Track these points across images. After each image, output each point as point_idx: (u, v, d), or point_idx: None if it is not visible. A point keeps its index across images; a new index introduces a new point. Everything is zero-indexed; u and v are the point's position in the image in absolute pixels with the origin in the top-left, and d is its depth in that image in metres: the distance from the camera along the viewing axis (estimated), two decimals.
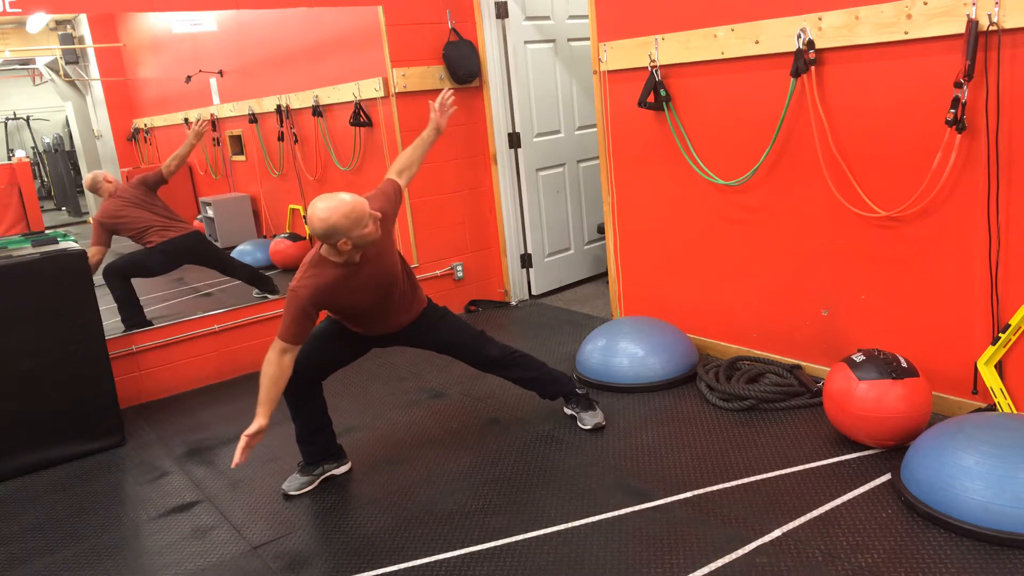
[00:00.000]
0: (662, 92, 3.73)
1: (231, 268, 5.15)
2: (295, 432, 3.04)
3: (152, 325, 4.32)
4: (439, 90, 4.75)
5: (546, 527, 2.57)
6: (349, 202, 2.54)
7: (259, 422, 2.64)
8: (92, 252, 4.60)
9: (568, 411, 3.35)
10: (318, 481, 3.03)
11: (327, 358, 3.00)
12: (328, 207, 2.52)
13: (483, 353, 3.13)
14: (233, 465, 2.63)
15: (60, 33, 6.89)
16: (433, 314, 3.09)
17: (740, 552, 2.33)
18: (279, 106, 5.87)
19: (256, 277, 5.15)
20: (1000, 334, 2.78)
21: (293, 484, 2.99)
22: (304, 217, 6.07)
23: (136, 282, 4.81)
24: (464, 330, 3.14)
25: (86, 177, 5.02)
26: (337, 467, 3.09)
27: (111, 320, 4.25)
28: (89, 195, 7.67)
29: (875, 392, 2.73)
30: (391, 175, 2.98)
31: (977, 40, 2.62)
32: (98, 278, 4.57)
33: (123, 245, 4.88)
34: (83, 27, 7.00)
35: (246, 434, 2.61)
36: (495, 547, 2.49)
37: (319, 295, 2.65)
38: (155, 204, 4.87)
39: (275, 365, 2.67)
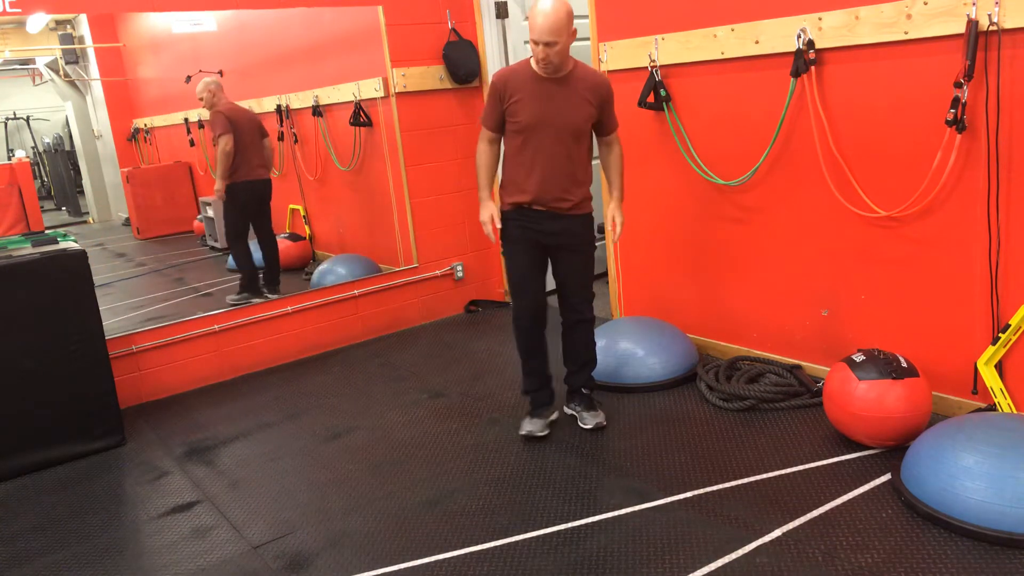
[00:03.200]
0: (662, 92, 3.73)
1: (266, 232, 5.17)
2: (525, 384, 3.24)
3: (265, 296, 4.34)
4: (439, 90, 4.79)
5: (546, 527, 2.57)
6: (542, 12, 2.76)
7: (488, 206, 3.05)
8: (225, 141, 4.61)
9: (568, 410, 3.35)
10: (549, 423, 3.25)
11: (540, 281, 3.12)
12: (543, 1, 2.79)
13: (577, 308, 3.17)
14: (494, 242, 3.10)
15: (60, 33, 6.89)
16: (584, 232, 3.11)
17: (740, 552, 2.33)
18: (279, 106, 5.86)
19: (273, 262, 5.16)
20: (1000, 334, 2.78)
21: (535, 426, 3.19)
22: (304, 217, 6.07)
23: (136, 281, 4.80)
24: (584, 273, 3.17)
25: (206, 80, 4.88)
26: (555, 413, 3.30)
27: (111, 320, 4.25)
28: (89, 195, 7.67)
29: (875, 392, 2.73)
30: (610, 138, 3.14)
31: (977, 40, 2.62)
32: (100, 278, 4.57)
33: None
34: (83, 27, 7.00)
35: (484, 222, 3.04)
36: (495, 547, 2.49)
37: (505, 76, 2.97)
38: (257, 133, 4.95)
39: (485, 153, 3.06)
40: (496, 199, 3.10)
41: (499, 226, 3.03)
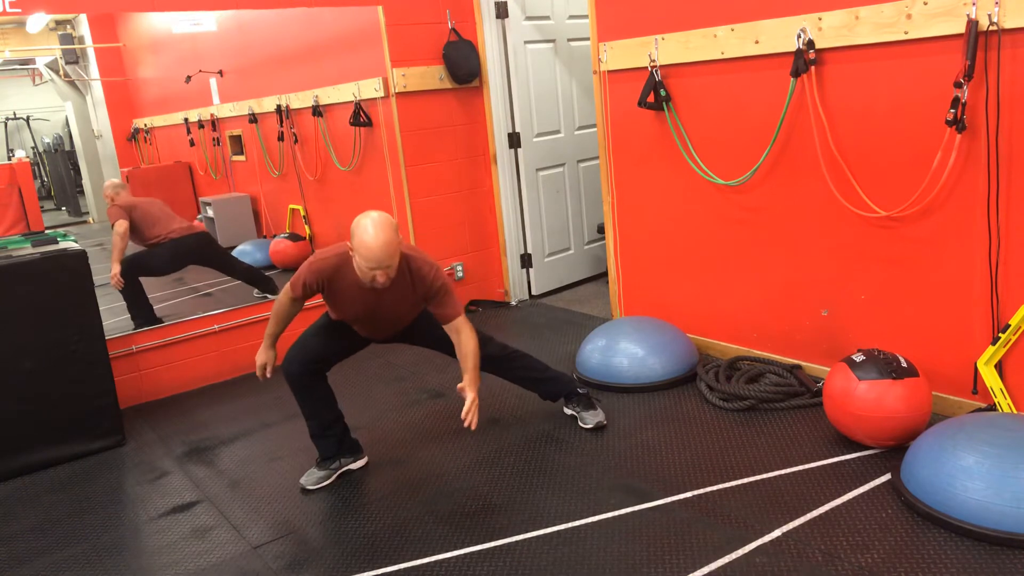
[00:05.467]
0: (662, 92, 3.73)
1: (234, 270, 5.18)
2: (308, 429, 3.05)
3: (162, 323, 4.34)
4: (439, 90, 4.79)
5: (546, 527, 2.57)
6: (375, 242, 2.56)
7: (265, 353, 2.99)
8: (119, 224, 4.78)
9: (568, 411, 3.35)
10: (335, 475, 3.04)
11: (328, 350, 3.02)
12: (368, 227, 2.58)
13: (482, 351, 3.12)
14: (261, 380, 3.02)
15: (60, 33, 6.89)
16: (430, 314, 3.06)
17: (740, 552, 2.33)
18: (279, 106, 5.86)
19: (258, 278, 5.16)
20: (1000, 334, 2.78)
21: (311, 479, 3.01)
22: (304, 217, 6.08)
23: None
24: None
25: (109, 185, 5.11)
26: (353, 461, 3.10)
27: (111, 320, 4.25)
28: (89, 195, 7.68)
29: (875, 392, 2.73)
30: (453, 325, 2.84)
31: (977, 40, 2.62)
32: (100, 278, 4.59)
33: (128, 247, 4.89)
34: (83, 27, 7.01)
35: (258, 364, 2.98)
36: (495, 547, 2.49)
37: (321, 277, 2.81)
38: (167, 209, 5.05)
39: (283, 305, 2.93)
40: (273, 351, 3.00)
41: (268, 376, 2.99)
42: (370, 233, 2.57)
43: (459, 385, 2.77)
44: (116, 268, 4.70)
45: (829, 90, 3.13)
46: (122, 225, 4.75)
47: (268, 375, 2.99)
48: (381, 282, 2.65)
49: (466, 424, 2.70)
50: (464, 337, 2.83)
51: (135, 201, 4.91)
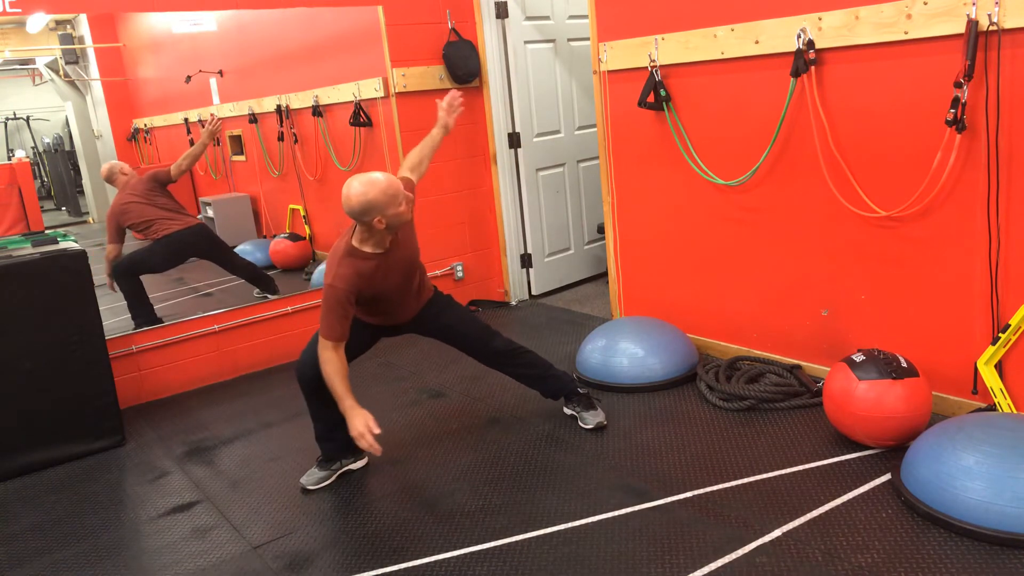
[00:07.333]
0: (662, 92, 3.73)
1: (234, 265, 5.16)
2: (314, 430, 3.05)
3: (163, 323, 4.35)
4: (439, 90, 4.79)
5: (546, 527, 2.57)
6: (384, 180, 2.65)
7: (358, 415, 2.62)
8: (108, 249, 4.76)
9: (568, 411, 3.35)
10: (335, 475, 3.04)
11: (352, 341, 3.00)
12: (366, 183, 2.61)
13: (488, 345, 3.15)
14: (378, 453, 2.62)
15: (60, 33, 6.88)
16: (439, 301, 3.13)
17: (740, 552, 2.33)
18: (279, 106, 5.87)
19: (258, 276, 5.15)
20: (1000, 334, 2.78)
21: (311, 479, 3.01)
22: (304, 217, 6.08)
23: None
24: (469, 320, 3.17)
25: (104, 166, 5.09)
26: (354, 461, 3.11)
27: (111, 320, 4.25)
28: (89, 195, 7.68)
29: (875, 392, 2.73)
30: (404, 172, 3.04)
31: (977, 40, 2.62)
32: (100, 278, 4.59)
33: (128, 245, 4.89)
34: (83, 27, 7.00)
35: (358, 434, 2.60)
36: (495, 547, 2.49)
37: (357, 283, 2.72)
38: (161, 199, 4.93)
39: (334, 361, 2.71)
40: (359, 406, 2.67)
41: (378, 431, 2.61)
42: (366, 182, 2.61)
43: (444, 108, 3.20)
44: (110, 281, 4.75)
45: (829, 90, 3.13)
46: (109, 252, 4.75)
47: (377, 430, 2.60)
48: (406, 210, 2.70)
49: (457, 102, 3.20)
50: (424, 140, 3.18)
51: (130, 206, 4.84)
